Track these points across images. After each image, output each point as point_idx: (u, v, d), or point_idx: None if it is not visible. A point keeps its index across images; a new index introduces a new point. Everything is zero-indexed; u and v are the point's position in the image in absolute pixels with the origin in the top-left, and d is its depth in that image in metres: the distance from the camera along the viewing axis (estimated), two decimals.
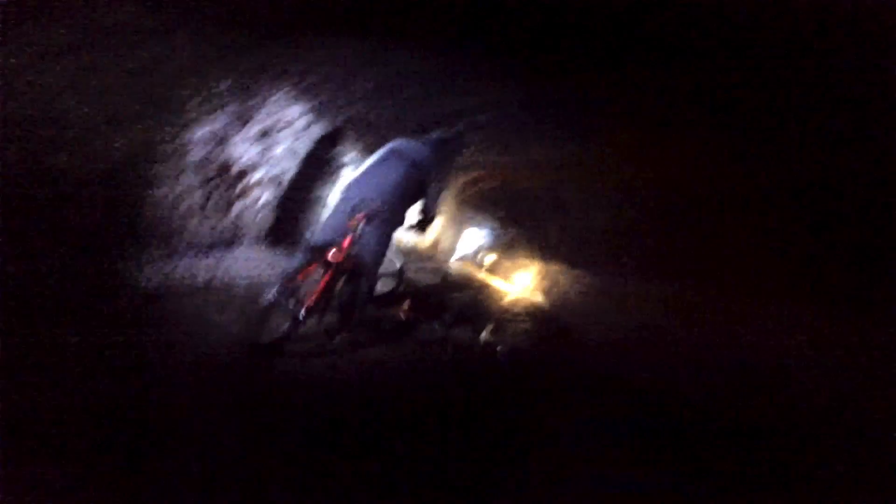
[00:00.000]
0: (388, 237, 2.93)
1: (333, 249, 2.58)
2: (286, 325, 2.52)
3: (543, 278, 14.11)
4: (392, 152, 2.91)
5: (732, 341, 3.85)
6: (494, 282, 16.03)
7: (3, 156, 2.05)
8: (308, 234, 5.49)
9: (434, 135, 3.16)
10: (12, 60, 1.99)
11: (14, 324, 1.74)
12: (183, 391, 1.92)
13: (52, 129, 2.29)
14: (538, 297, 12.96)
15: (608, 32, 3.36)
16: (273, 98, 3.63)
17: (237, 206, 4.08)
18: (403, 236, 10.01)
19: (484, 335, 5.07)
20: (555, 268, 12.81)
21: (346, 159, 5.56)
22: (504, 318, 8.31)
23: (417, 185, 2.92)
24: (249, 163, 3.91)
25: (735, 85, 3.20)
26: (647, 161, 6.01)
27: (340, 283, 2.81)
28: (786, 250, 3.68)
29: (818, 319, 3.18)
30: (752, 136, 3.69)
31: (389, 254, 5.23)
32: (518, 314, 9.30)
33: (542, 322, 9.09)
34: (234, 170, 3.79)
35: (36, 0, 1.82)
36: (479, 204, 17.21)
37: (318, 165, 5.14)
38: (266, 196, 4.39)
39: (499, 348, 4.39)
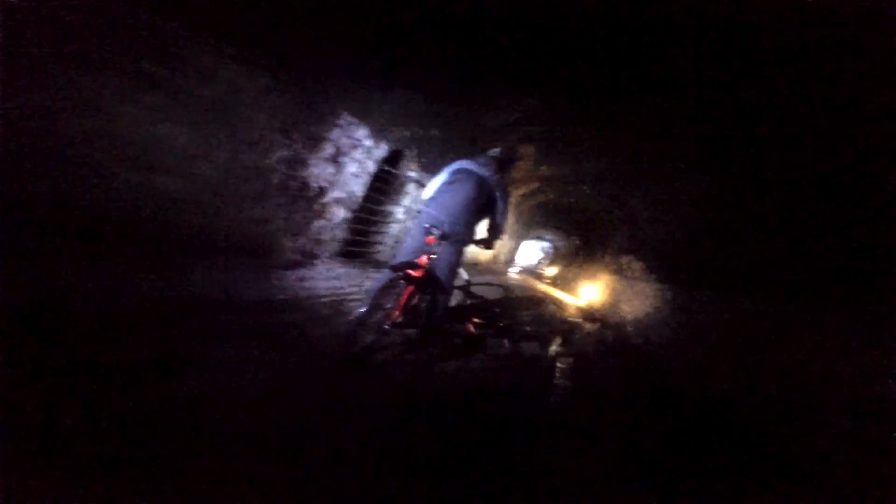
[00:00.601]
0: (461, 254, 3.01)
1: (412, 267, 2.73)
2: (371, 338, 2.69)
3: (602, 288, 13.63)
4: (458, 172, 2.99)
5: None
6: (556, 293, 15.69)
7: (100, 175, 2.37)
8: (389, 254, 5.74)
9: (492, 151, 3.25)
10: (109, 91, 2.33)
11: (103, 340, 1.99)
12: (278, 400, 2.04)
13: (150, 152, 2.61)
14: (598, 308, 12.51)
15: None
16: (339, 120, 3.90)
17: (316, 225, 4.37)
18: (468, 250, 10.14)
19: (553, 348, 4.99)
20: (613, 278, 12.38)
21: (409, 176, 5.79)
22: (567, 329, 8.13)
23: (484, 202, 2.99)
24: (325, 182, 4.19)
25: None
26: (699, 176, 6.03)
27: (418, 299, 2.97)
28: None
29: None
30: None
31: (460, 269, 5.35)
32: (580, 325, 9.05)
33: (603, 332, 8.79)
34: (313, 190, 4.08)
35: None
36: (536, 216, 17.08)
37: (384, 182, 5.40)
38: (341, 213, 4.66)
39: (560, 362, 4.31)
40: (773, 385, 3.86)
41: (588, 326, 8.73)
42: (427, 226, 2.79)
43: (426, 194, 3.05)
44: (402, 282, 2.72)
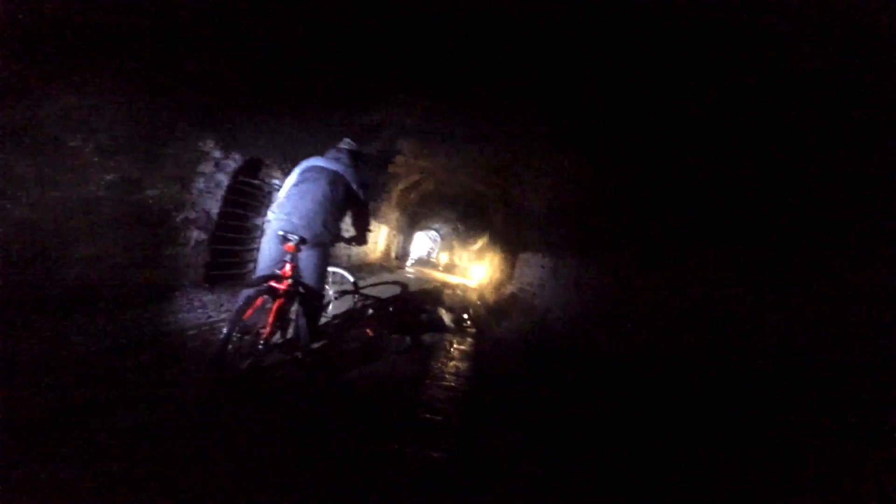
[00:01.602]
0: (326, 256, 2.89)
1: (275, 279, 2.59)
2: (247, 361, 2.53)
3: (489, 266, 14.45)
4: (308, 171, 2.85)
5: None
6: (450, 279, 16.22)
7: None
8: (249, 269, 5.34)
9: (342, 143, 3.13)
10: None
11: None
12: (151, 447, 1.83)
13: None
14: (487, 284, 13.23)
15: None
16: (177, 133, 3.51)
17: (167, 253, 3.90)
18: (353, 251, 9.93)
19: (450, 334, 5.14)
20: (500, 255, 13.16)
21: (273, 185, 5.44)
22: (468, 311, 8.45)
23: (343, 197, 2.90)
24: (169, 204, 3.75)
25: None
26: (568, 156, 6.71)
27: (293, 308, 2.83)
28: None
29: None
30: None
31: (342, 271, 5.20)
32: (479, 305, 9.49)
33: (497, 307, 9.31)
34: (154, 214, 3.62)
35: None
36: (420, 207, 17.35)
37: (244, 195, 5.00)
38: (196, 235, 4.21)
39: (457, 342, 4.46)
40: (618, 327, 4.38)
41: (479, 304, 9.16)
42: (282, 233, 2.64)
43: (277, 199, 2.88)
44: (266, 297, 2.56)
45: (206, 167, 4.04)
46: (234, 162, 4.39)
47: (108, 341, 2.80)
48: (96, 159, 2.92)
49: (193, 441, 1.89)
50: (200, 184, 4.04)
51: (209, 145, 3.94)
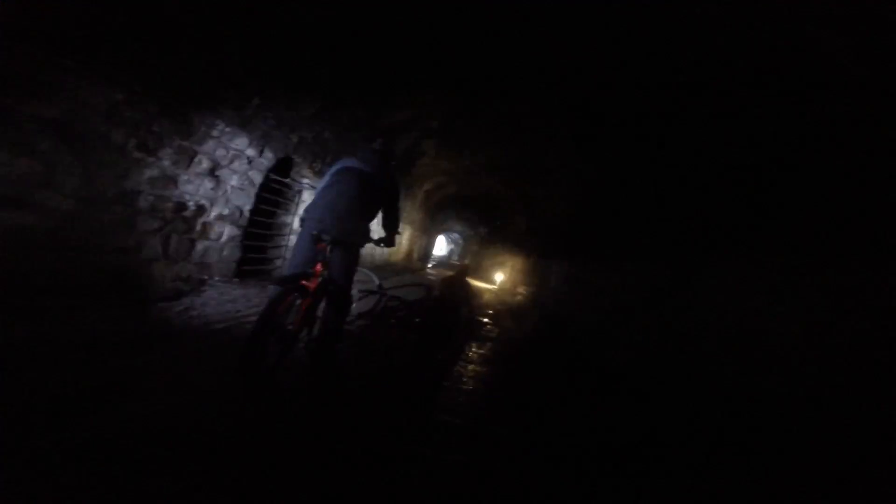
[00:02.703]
0: (356, 256, 2.91)
1: (306, 278, 2.61)
2: (275, 357, 2.53)
3: (510, 270, 14.33)
4: (340, 172, 2.86)
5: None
6: (472, 282, 16.14)
7: None
8: (280, 267, 5.42)
9: (374, 144, 3.11)
10: None
11: None
12: (178, 436, 1.86)
13: None
14: (509, 287, 13.12)
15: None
16: (213, 131, 3.59)
17: (200, 247, 3.99)
18: (377, 251, 9.99)
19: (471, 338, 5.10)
20: (521, 259, 13.05)
21: (302, 184, 5.52)
22: (489, 314, 8.38)
23: (374, 198, 2.91)
24: (204, 200, 3.84)
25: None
26: (581, 163, 6.66)
27: (321, 307, 2.86)
28: None
29: None
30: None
31: (368, 272, 5.23)
32: (500, 308, 9.41)
33: (518, 311, 9.21)
34: (190, 209, 3.71)
35: None
36: (443, 209, 17.37)
37: (275, 193, 5.09)
38: (228, 231, 4.30)
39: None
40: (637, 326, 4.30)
41: (500, 307, 9.08)
42: (315, 233, 2.67)
43: (312, 200, 2.91)
44: (295, 294, 2.59)
45: (241, 165, 4.13)
46: (266, 161, 4.48)
47: (138, 331, 2.88)
48: (138, 155, 3.01)
49: (214, 435, 1.90)
50: (234, 181, 4.13)
51: (243, 144, 4.02)
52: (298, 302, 2.63)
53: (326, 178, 2.89)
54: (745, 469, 2.48)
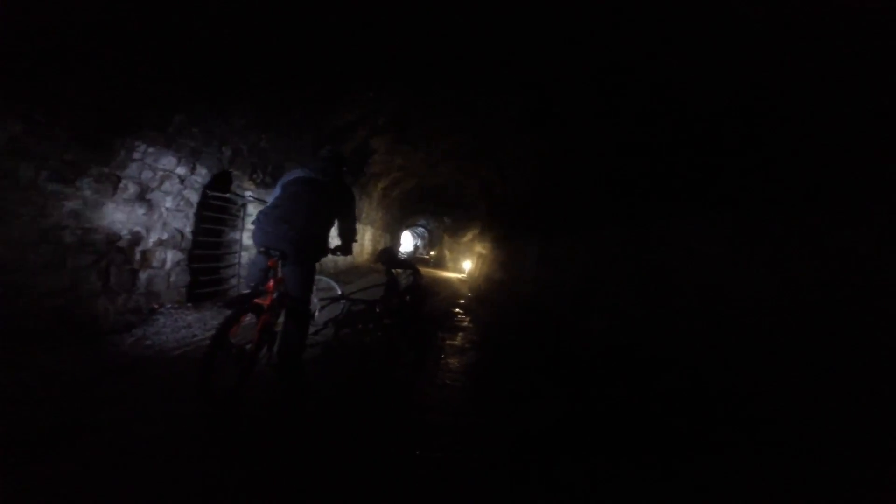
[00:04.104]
0: (312, 269, 2.81)
1: (258, 296, 2.55)
2: (236, 376, 2.47)
3: (480, 257, 14.44)
4: (292, 183, 2.76)
5: None
6: (442, 273, 16.20)
7: None
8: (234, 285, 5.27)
9: (322, 152, 3.03)
10: None
11: None
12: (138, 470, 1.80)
13: None
14: (477, 274, 13.23)
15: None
16: (135, 154, 3.44)
17: (143, 276, 3.84)
18: (340, 258, 9.85)
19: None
20: (488, 246, 13.16)
21: (246, 197, 5.37)
22: (459, 304, 8.41)
23: (328, 207, 2.84)
24: (138, 227, 3.68)
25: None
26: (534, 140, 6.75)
27: (280, 322, 2.80)
28: None
29: None
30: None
31: (329, 280, 5.14)
32: (470, 297, 9.47)
33: (487, 297, 9.29)
34: (124, 239, 3.56)
35: None
36: (404, 205, 17.28)
37: (217, 210, 4.93)
38: (171, 256, 4.15)
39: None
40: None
41: (470, 296, 9.14)
42: (263, 249, 2.61)
43: (261, 215, 2.81)
44: (250, 314, 2.53)
45: (173, 186, 3.96)
46: (200, 178, 4.31)
47: (93, 366, 2.77)
48: (53, 187, 2.85)
49: (187, 459, 1.86)
50: (169, 203, 3.97)
51: (171, 163, 3.86)
52: (254, 321, 2.58)
53: (276, 190, 2.80)
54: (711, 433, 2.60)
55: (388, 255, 4.60)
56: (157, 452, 1.89)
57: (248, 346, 2.54)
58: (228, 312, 2.39)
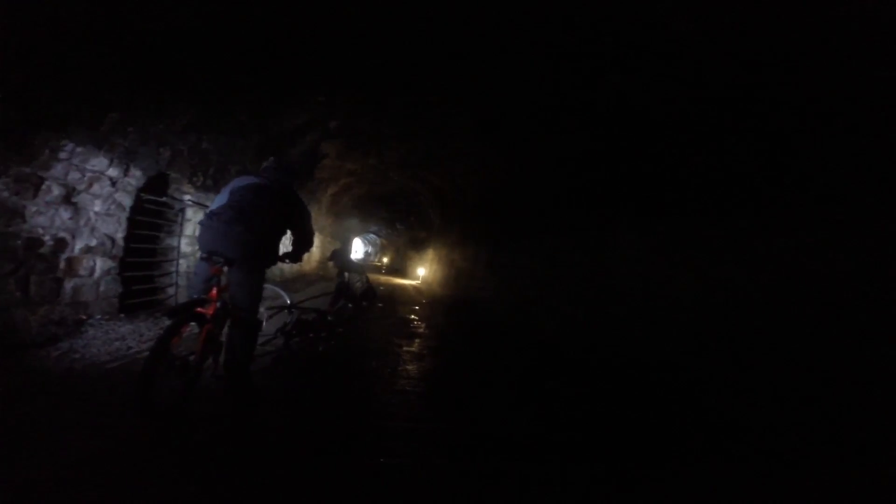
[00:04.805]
0: (260, 276, 2.69)
1: (201, 304, 2.45)
2: (179, 388, 2.35)
3: (434, 264, 14.51)
4: (238, 191, 2.63)
5: None
6: (395, 280, 16.09)
7: None
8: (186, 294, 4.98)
9: (269, 161, 2.94)
10: None
11: None
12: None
13: None
14: (433, 283, 13.29)
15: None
16: (61, 153, 3.19)
17: (68, 285, 3.55)
18: (286, 266, 9.55)
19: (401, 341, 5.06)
20: (441, 252, 13.25)
21: (185, 201, 5.11)
22: (413, 310, 8.39)
23: (275, 215, 2.68)
24: (63, 232, 3.41)
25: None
26: (484, 149, 6.94)
27: (224, 332, 2.65)
28: None
29: None
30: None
31: (276, 288, 4.96)
32: (424, 304, 9.48)
33: (442, 303, 9.35)
34: (46, 245, 3.28)
35: None
36: (354, 211, 17.04)
37: (153, 214, 4.66)
38: (101, 264, 3.87)
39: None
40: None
41: (424, 302, 9.14)
42: (205, 255, 2.49)
43: (205, 220, 2.67)
44: (192, 323, 2.41)
45: (103, 189, 3.69)
46: (134, 180, 4.04)
47: (14, 382, 2.54)
48: None
49: (129, 476, 1.75)
50: (98, 207, 3.70)
51: (102, 164, 3.60)
52: (197, 331, 2.46)
53: (223, 195, 2.68)
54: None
55: (340, 256, 4.52)
56: (95, 470, 1.76)
57: (192, 358, 2.42)
58: (168, 322, 2.27)
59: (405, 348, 4.65)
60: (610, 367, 3.75)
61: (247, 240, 2.49)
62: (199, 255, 2.61)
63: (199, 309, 2.42)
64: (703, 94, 2.86)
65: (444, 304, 9.03)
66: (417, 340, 5.14)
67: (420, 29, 3.97)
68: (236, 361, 2.60)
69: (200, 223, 2.57)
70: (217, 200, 2.67)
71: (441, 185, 10.71)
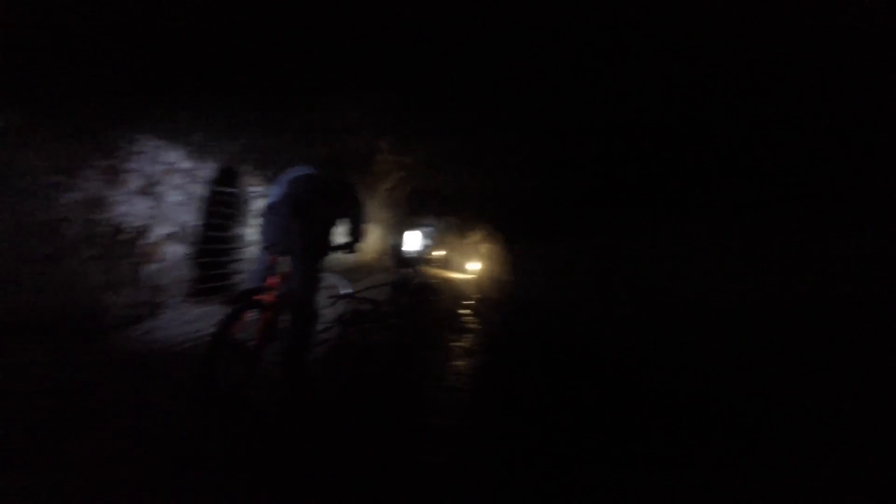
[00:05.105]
0: (315, 264, 2.71)
1: (261, 292, 2.54)
2: (238, 374, 2.44)
3: (487, 259, 14.36)
4: (295, 181, 2.69)
5: None
6: (448, 274, 16.14)
7: None
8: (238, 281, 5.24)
9: (326, 151, 2.99)
10: None
11: None
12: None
13: None
14: (485, 277, 13.16)
15: None
16: (140, 147, 3.41)
17: (147, 270, 3.80)
18: (346, 257, 9.81)
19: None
20: (494, 247, 13.08)
21: (252, 193, 5.34)
22: (465, 305, 8.33)
23: (329, 205, 2.73)
24: (144, 220, 3.65)
25: None
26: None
27: (283, 319, 2.70)
28: None
29: None
30: None
31: (336, 277, 5.09)
32: (477, 298, 9.40)
33: (494, 299, 9.20)
34: (129, 232, 3.52)
35: None
36: (409, 205, 17.23)
37: (224, 205, 4.90)
38: (177, 250, 4.11)
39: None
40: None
41: (477, 296, 9.07)
42: (265, 245, 2.56)
43: (265, 211, 2.75)
44: (252, 310, 2.48)
45: (179, 180, 3.93)
46: (207, 172, 4.28)
47: (96, 361, 2.75)
48: (56, 178, 2.81)
49: (172, 467, 1.81)
50: (174, 197, 3.93)
51: (178, 157, 3.83)
52: (257, 318, 2.53)
53: (280, 186, 2.75)
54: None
55: (398, 250, 4.55)
56: (156, 453, 1.85)
57: (251, 344, 2.50)
58: (230, 309, 2.34)
59: (456, 343, 4.61)
60: (672, 374, 3.47)
61: (301, 231, 2.53)
62: (259, 246, 2.69)
63: (259, 297, 2.50)
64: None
65: (497, 301, 8.90)
66: (468, 336, 5.08)
67: (476, 28, 3.88)
68: (292, 350, 2.64)
69: (261, 214, 2.64)
70: (274, 192, 2.73)
71: (496, 179, 10.53)
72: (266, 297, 2.52)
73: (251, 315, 2.52)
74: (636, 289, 4.40)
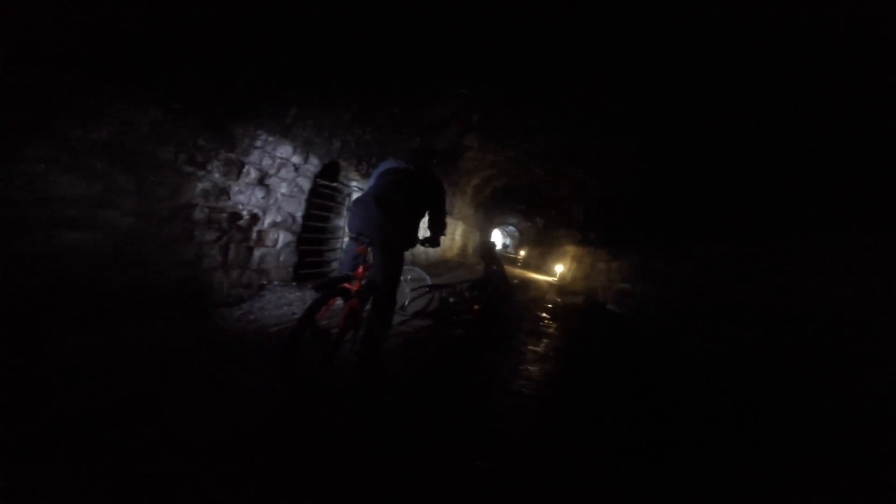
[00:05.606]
0: (399, 257, 2.78)
1: (348, 281, 2.62)
2: (319, 359, 2.51)
3: (569, 261, 13.80)
4: (384, 174, 2.79)
5: None
6: (530, 274, 15.80)
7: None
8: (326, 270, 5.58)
9: (414, 144, 3.02)
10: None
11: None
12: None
13: (48, 208, 2.41)
14: (569, 281, 12.64)
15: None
16: (257, 142, 3.74)
17: (257, 254, 4.18)
18: (431, 250, 10.03)
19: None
20: (581, 251, 12.53)
21: (351, 186, 5.64)
22: (546, 309, 8.08)
23: (418, 199, 2.81)
24: (257, 209, 4.01)
25: None
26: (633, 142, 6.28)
27: (367, 308, 2.82)
28: None
29: None
30: None
31: (420, 270, 5.22)
32: (558, 303, 9.07)
33: (576, 306, 8.80)
34: (244, 218, 3.89)
35: None
36: (495, 202, 17.15)
37: (325, 197, 5.24)
38: (283, 237, 4.48)
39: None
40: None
41: (559, 301, 8.77)
42: (354, 235, 2.66)
43: (355, 203, 2.88)
44: (338, 298, 2.60)
45: (288, 173, 4.27)
46: (312, 167, 4.61)
47: (197, 337, 3.00)
48: (188, 169, 3.18)
49: (254, 440, 1.92)
50: (284, 189, 4.28)
51: (288, 152, 4.16)
52: (342, 305, 2.64)
53: (371, 179, 2.87)
54: None
55: (487, 249, 4.54)
56: (232, 432, 1.95)
57: (335, 331, 2.60)
58: (317, 296, 2.41)
59: (531, 347, 4.49)
60: (779, 407, 3.07)
61: (385, 223, 2.60)
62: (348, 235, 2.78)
63: (345, 285, 2.59)
64: None
65: (580, 307, 8.53)
66: (545, 341, 4.92)
67: (564, 22, 3.71)
68: (369, 339, 2.72)
69: (350, 206, 2.72)
70: (368, 184, 2.84)
71: (585, 180, 10.08)
72: (352, 286, 2.60)
73: (337, 302, 2.64)
74: (769, 308, 3.93)
